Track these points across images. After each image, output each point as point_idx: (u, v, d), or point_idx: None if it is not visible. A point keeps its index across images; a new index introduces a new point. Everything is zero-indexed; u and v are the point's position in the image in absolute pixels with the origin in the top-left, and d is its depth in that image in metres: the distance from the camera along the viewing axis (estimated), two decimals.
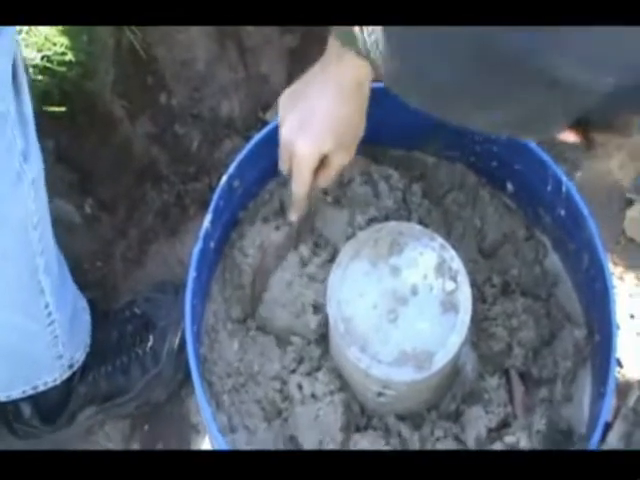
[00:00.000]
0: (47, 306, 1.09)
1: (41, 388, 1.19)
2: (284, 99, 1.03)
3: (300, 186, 1.04)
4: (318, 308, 1.08)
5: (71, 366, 1.20)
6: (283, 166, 1.05)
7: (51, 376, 1.19)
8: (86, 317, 1.23)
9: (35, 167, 0.99)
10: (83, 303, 1.24)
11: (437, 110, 0.64)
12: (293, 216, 1.10)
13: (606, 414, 0.96)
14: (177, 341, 1.27)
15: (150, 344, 1.28)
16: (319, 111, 0.98)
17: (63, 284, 1.14)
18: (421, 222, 1.13)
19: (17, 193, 0.97)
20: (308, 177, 1.02)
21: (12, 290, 1.05)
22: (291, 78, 1.45)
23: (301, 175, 1.02)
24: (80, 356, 1.21)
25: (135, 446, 1.30)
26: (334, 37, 0.96)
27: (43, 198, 1.03)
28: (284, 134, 1.01)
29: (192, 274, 1.03)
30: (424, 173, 1.21)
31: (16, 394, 1.20)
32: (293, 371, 1.08)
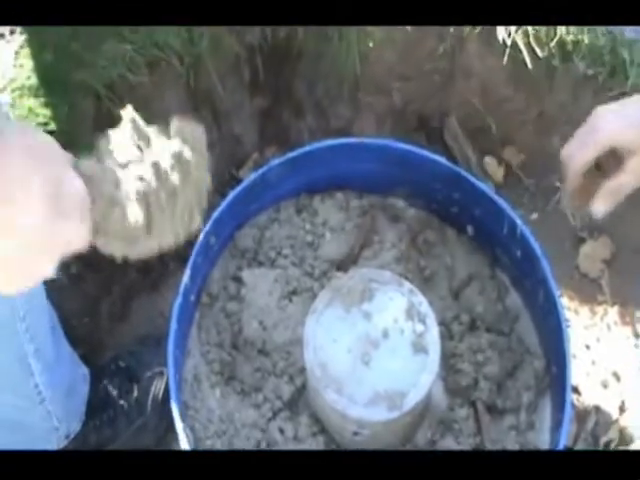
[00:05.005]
0: (37, 386, 1.10)
1: None
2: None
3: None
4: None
5: (67, 436, 1.21)
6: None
7: (49, 446, 1.20)
8: (84, 387, 1.24)
9: None
10: (83, 370, 1.24)
11: None
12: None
13: (564, 440, 0.99)
14: (161, 391, 1.29)
15: (135, 396, 1.29)
16: None
17: (58, 361, 1.15)
18: (398, 261, 1.18)
19: None
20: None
21: (2, 373, 1.06)
22: (263, 138, 1.51)
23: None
24: (76, 426, 1.23)
25: None
26: None
27: (32, 291, 1.02)
28: None
29: (174, 326, 1.06)
30: (397, 215, 1.25)
31: None
32: (274, 417, 1.11)
